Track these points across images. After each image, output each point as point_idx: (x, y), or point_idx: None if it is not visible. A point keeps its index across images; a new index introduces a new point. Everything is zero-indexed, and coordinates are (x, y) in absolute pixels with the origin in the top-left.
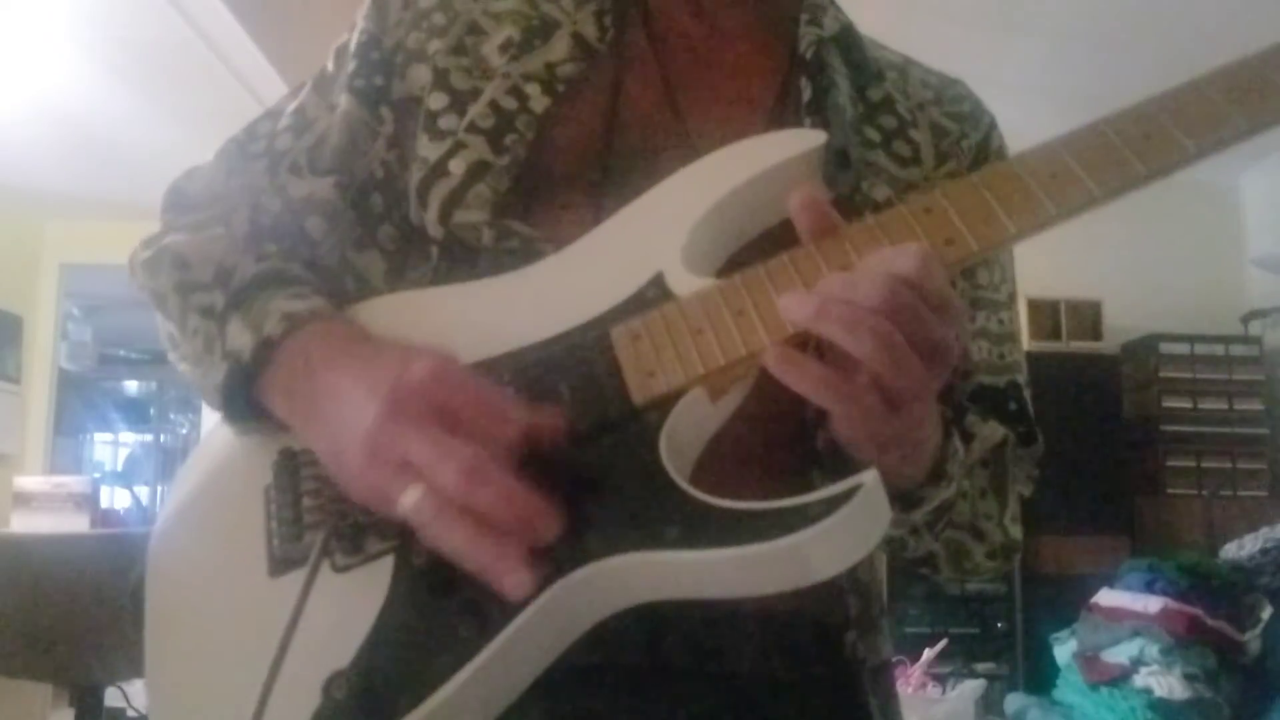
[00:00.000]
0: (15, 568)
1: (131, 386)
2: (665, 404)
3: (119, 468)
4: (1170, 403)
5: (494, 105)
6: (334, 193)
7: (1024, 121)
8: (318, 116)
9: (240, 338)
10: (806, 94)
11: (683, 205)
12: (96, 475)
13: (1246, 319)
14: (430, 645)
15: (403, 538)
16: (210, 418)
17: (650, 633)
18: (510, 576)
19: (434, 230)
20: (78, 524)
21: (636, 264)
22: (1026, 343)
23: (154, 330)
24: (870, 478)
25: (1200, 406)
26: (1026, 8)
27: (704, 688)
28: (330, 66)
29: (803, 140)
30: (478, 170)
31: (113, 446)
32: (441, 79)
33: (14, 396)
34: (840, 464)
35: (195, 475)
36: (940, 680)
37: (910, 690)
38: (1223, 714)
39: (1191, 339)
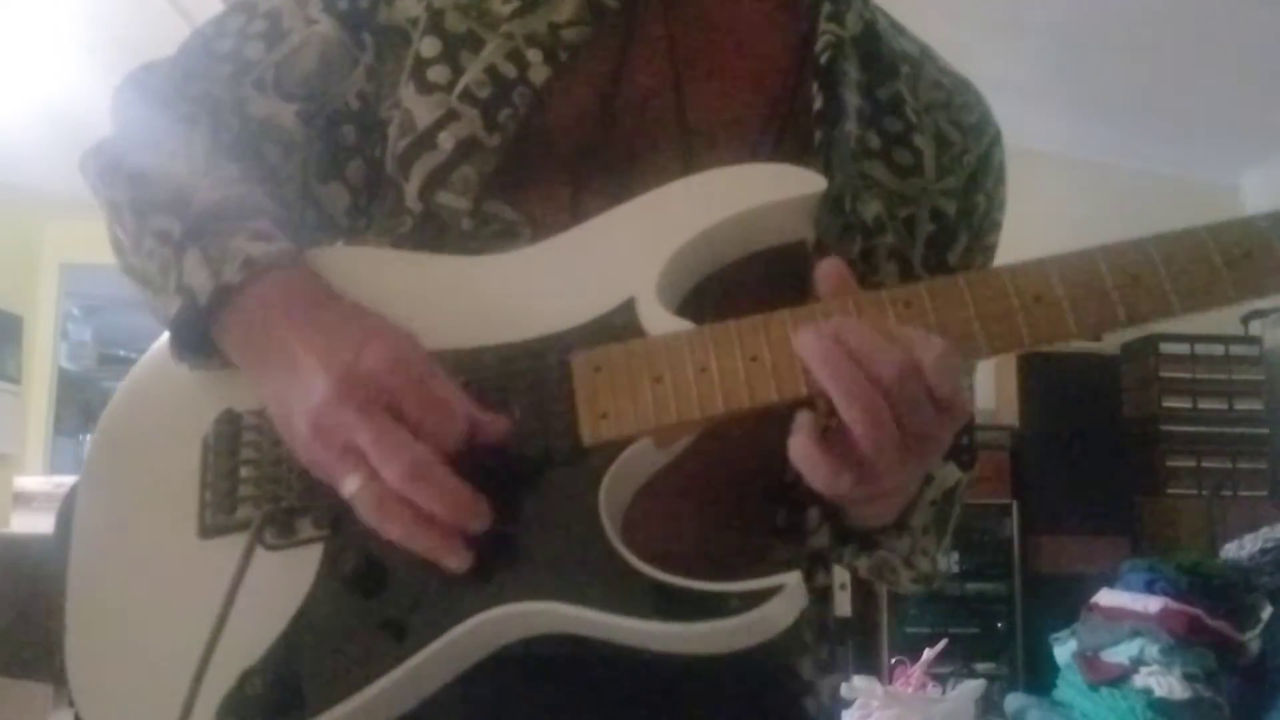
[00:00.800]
0: (15, 568)
1: None
2: (612, 448)
3: None
4: (1170, 403)
5: (492, 71)
6: (294, 121)
7: (1032, 123)
8: (293, 29)
9: (198, 275)
10: (817, 103)
11: (667, 227)
12: None
13: (1246, 319)
14: (347, 651)
15: (335, 528)
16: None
17: None
18: (450, 558)
19: (412, 202)
20: None
21: (609, 283)
22: None
23: (154, 330)
24: (793, 580)
25: (1200, 406)
26: (1034, 9)
27: (624, 674)
28: None
29: (803, 183)
30: (467, 148)
31: None
32: (436, 21)
33: (14, 396)
34: (799, 500)
35: (129, 412)
36: (940, 680)
37: (910, 690)
38: (1223, 714)
39: (1191, 339)
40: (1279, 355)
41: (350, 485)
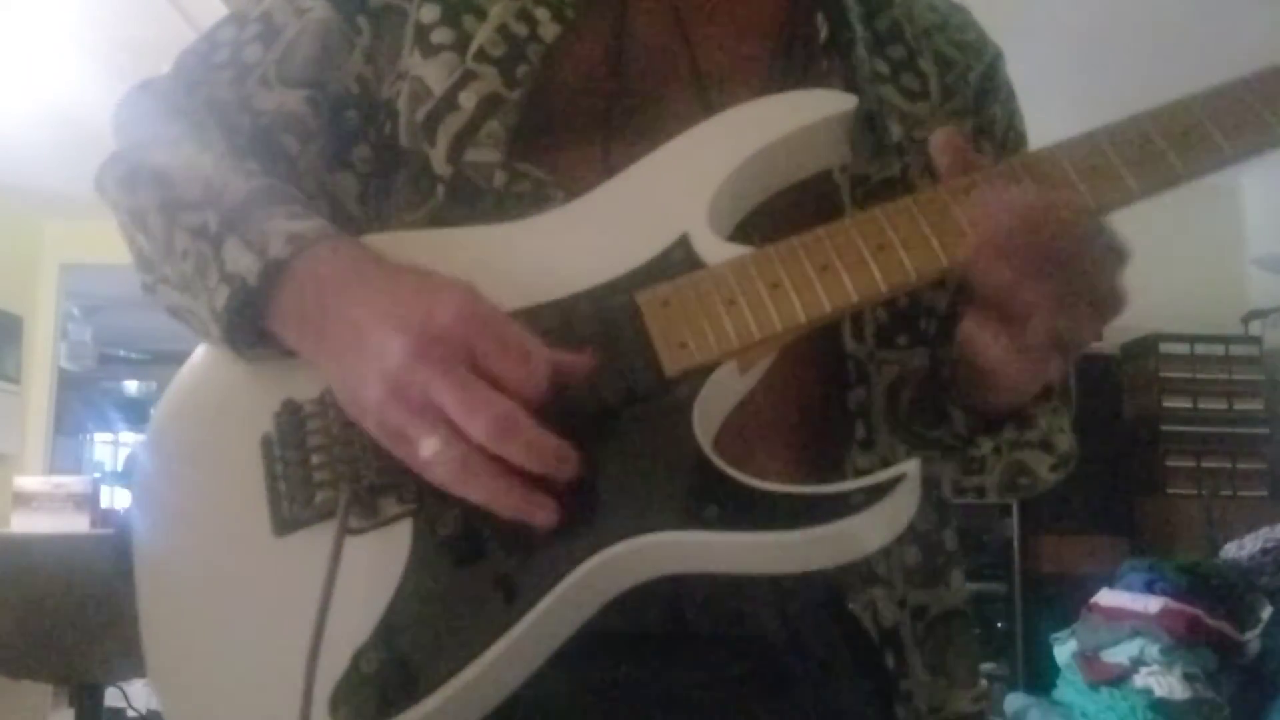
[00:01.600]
0: (15, 568)
1: (131, 386)
2: (697, 376)
3: (119, 468)
4: (1170, 403)
5: (503, 30)
6: (306, 108)
7: (1032, 123)
8: (286, 23)
9: (242, 260)
10: (824, 32)
11: (708, 163)
12: (96, 475)
13: (1246, 319)
14: (457, 619)
15: (421, 501)
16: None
17: (671, 598)
18: (541, 513)
19: (440, 168)
20: (78, 524)
21: (659, 223)
22: None
23: (154, 330)
24: (912, 467)
25: (1200, 406)
26: (1040, 11)
27: (727, 652)
28: None
29: (834, 103)
30: (490, 104)
31: (113, 446)
32: None
33: (14, 396)
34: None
35: (181, 418)
36: None
37: None
38: (1223, 714)
39: (1191, 339)
40: (1279, 355)
41: (430, 447)
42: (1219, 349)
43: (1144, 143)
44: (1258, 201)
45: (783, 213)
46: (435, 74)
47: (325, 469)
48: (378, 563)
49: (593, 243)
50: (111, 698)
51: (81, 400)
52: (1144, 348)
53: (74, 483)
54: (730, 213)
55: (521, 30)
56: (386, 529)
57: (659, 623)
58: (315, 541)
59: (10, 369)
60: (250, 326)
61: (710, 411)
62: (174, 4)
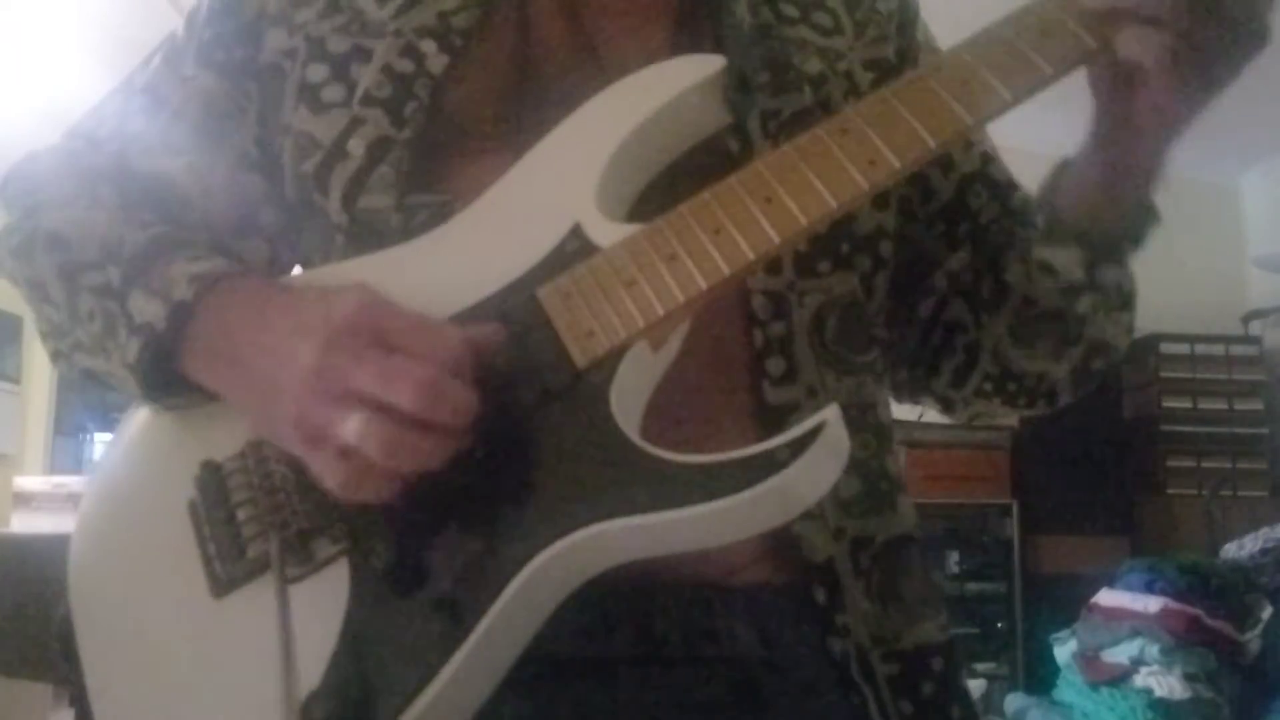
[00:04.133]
0: (15, 568)
1: None
2: (608, 362)
3: None
4: (1170, 403)
5: (388, 70)
6: (186, 175)
7: (1031, 123)
8: (170, 94)
9: (148, 309)
10: None
11: (588, 148)
12: None
13: (1246, 319)
14: (407, 646)
15: (354, 538)
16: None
17: (641, 619)
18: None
19: (337, 217)
20: None
21: (550, 215)
22: None
23: None
24: (833, 413)
25: (1200, 406)
26: None
27: (701, 673)
28: (182, 34)
29: (701, 66)
30: (379, 148)
31: None
32: (317, 47)
33: (14, 396)
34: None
35: (106, 501)
36: None
37: None
38: (1223, 714)
39: (1191, 339)
40: (1279, 355)
41: (354, 426)
42: (1219, 349)
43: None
44: (1258, 201)
45: (689, 174)
46: (324, 128)
47: (253, 522)
48: (320, 607)
49: (489, 247)
50: None
51: (81, 400)
52: (1144, 348)
53: (74, 483)
54: (620, 194)
55: (407, 67)
56: (323, 572)
57: (629, 645)
58: (255, 598)
59: (10, 369)
60: (165, 375)
61: (629, 394)
62: (174, 5)
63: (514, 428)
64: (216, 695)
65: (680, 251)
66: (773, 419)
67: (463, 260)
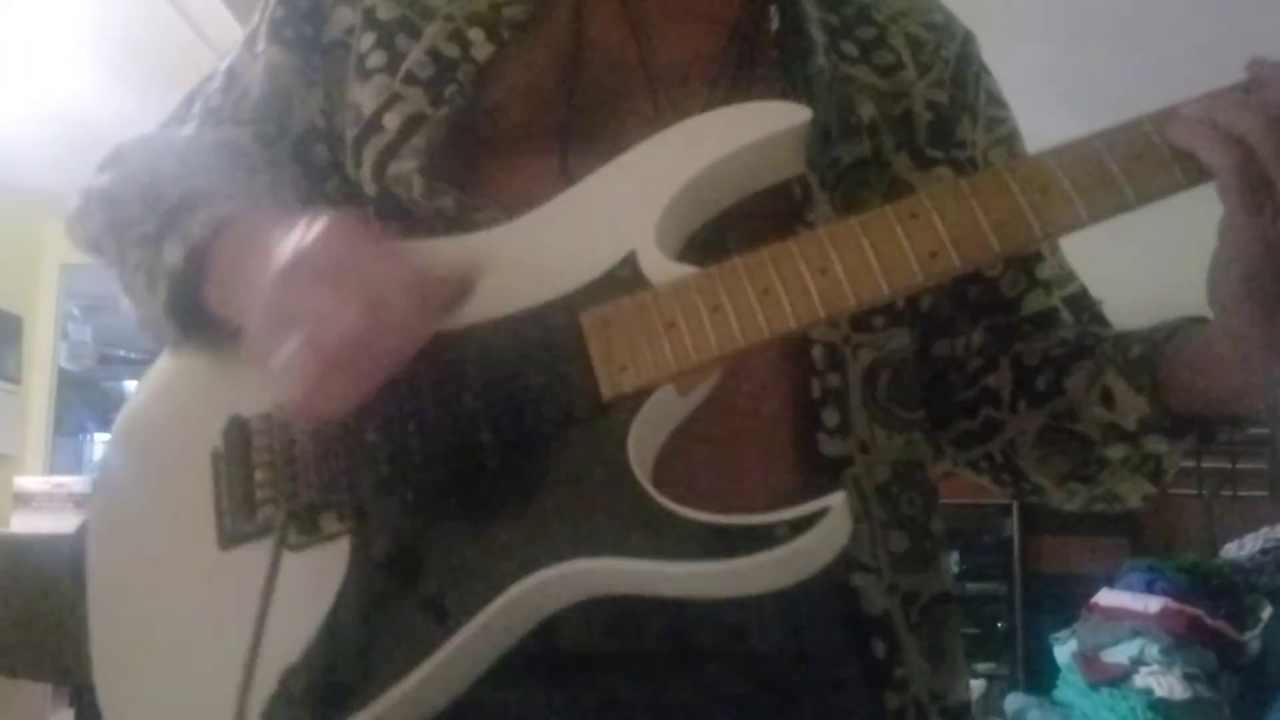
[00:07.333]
0: (15, 567)
1: (131, 386)
2: (634, 399)
3: None
4: None
5: (433, 53)
6: (252, 144)
7: (1030, 123)
8: (243, 70)
9: (173, 253)
10: (775, 23)
11: (657, 178)
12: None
13: None
14: (387, 639)
15: (359, 518)
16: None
17: (671, 616)
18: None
19: (368, 188)
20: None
21: (607, 240)
22: None
23: None
24: (838, 499)
25: None
26: (1031, 11)
27: (729, 669)
28: (256, 16)
29: (789, 115)
30: (413, 123)
31: None
32: (368, 17)
33: (14, 396)
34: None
35: (134, 436)
36: None
37: None
38: (1223, 714)
39: None
40: None
41: (284, 353)
42: None
43: (1098, 166)
44: None
45: (749, 211)
46: (368, 98)
47: (268, 486)
48: (315, 580)
49: (544, 257)
50: None
51: (81, 400)
52: None
53: (74, 483)
54: (680, 230)
55: (453, 52)
56: (326, 546)
57: (658, 640)
58: (256, 557)
59: (10, 369)
60: (195, 317)
61: (648, 434)
62: (175, 5)
63: (529, 445)
64: (196, 639)
65: (726, 304)
66: (825, 471)
67: (514, 266)
